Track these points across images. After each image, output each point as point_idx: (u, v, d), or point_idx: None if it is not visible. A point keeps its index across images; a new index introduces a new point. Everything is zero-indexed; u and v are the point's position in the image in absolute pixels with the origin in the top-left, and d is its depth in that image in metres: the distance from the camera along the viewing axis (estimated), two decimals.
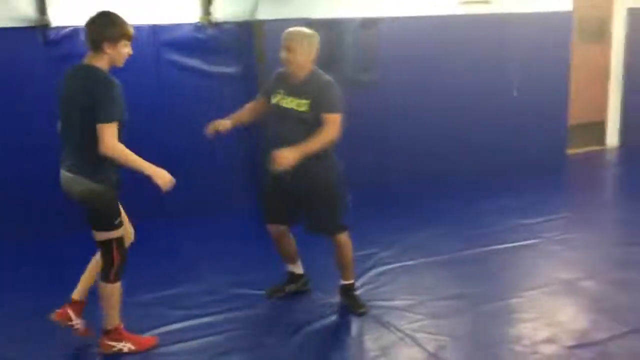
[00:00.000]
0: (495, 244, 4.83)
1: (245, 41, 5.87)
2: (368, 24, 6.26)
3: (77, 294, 3.44)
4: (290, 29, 3.48)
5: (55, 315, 3.41)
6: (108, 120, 2.96)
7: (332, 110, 3.41)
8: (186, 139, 5.41)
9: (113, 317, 3.30)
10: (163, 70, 5.57)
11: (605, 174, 7.64)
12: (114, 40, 3.05)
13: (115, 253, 3.18)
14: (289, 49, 3.41)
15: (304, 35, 3.44)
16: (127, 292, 3.98)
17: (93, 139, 2.97)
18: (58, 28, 5.19)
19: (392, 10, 6.38)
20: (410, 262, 4.52)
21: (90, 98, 2.98)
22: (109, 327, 3.31)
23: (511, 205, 5.76)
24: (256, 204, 5.44)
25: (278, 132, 3.49)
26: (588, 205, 5.99)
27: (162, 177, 3.09)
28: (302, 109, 3.42)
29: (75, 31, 5.25)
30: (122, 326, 3.36)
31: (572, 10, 7.27)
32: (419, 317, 3.69)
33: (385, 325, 3.60)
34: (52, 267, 4.55)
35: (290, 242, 3.87)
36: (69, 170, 3.12)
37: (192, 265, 4.53)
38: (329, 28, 6.11)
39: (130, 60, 5.51)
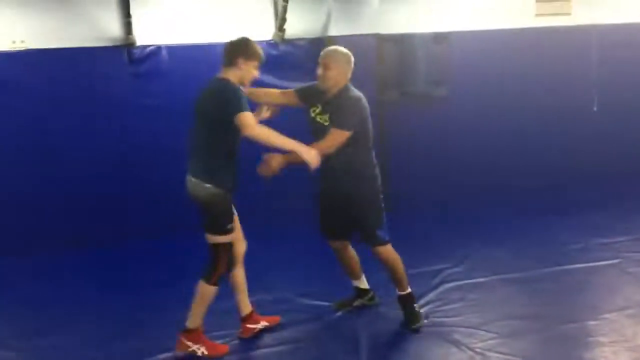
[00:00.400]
0: (572, 262, 4.65)
1: (316, 57, 5.95)
2: (439, 38, 6.23)
3: (244, 309, 3.67)
4: (328, 48, 3.61)
5: (241, 335, 3.67)
6: (242, 110, 3.19)
7: (338, 125, 3.44)
8: (254, 151, 5.54)
9: (197, 318, 3.41)
10: None
11: None
12: (248, 57, 3.36)
13: (221, 258, 3.37)
14: (325, 66, 3.50)
15: (340, 53, 3.55)
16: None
17: (218, 144, 3.28)
18: (142, 47, 5.49)
19: (464, 24, 6.33)
20: (481, 279, 4.42)
21: (219, 102, 3.26)
22: (191, 326, 3.42)
23: (590, 223, 5.54)
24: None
25: None
26: None
27: (310, 154, 3.26)
28: (327, 123, 3.51)
29: (158, 49, 5.55)
30: (202, 329, 3.47)
31: None
32: (490, 335, 3.60)
33: (454, 343, 3.53)
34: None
35: (351, 256, 3.88)
36: (195, 176, 3.34)
37: (262, 275, 4.61)
38: (400, 43, 6.15)
39: (205, 75, 5.79)
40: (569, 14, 6.68)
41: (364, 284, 4.00)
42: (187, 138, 3.50)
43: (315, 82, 3.67)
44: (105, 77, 5.44)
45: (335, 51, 3.56)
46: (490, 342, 3.52)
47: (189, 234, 5.11)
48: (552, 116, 6.62)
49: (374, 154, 3.67)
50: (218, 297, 3.70)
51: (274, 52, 5.85)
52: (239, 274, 3.64)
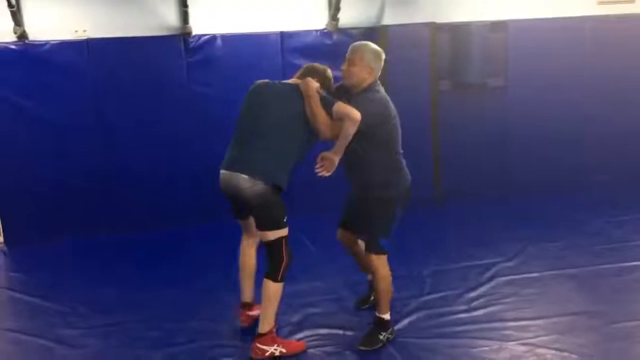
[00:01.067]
0: (631, 259, 4.50)
1: None
2: (497, 27, 6.09)
3: (245, 296, 3.66)
4: (356, 43, 3.42)
5: (244, 323, 3.67)
6: (333, 101, 3.26)
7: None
8: None
9: (271, 320, 3.31)
10: (289, 75, 5.73)
11: None
12: (323, 84, 3.41)
13: (284, 251, 3.29)
14: (350, 62, 3.35)
15: (368, 50, 3.36)
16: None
17: (290, 141, 3.28)
18: (198, 35, 5.58)
19: (522, 12, 6.16)
20: (535, 274, 4.32)
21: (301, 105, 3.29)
22: (265, 331, 3.30)
23: None
24: None
25: None
26: None
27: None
28: None
29: (213, 38, 5.63)
30: (275, 329, 3.37)
31: None
32: (544, 331, 3.52)
33: (506, 337, 3.47)
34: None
35: (361, 250, 3.73)
36: (246, 173, 3.21)
37: (312, 265, 4.65)
38: (455, 32, 6.04)
39: (258, 64, 5.84)
40: (632, 1, 6.41)
41: None
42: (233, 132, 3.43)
43: (338, 84, 3.52)
44: (162, 65, 5.57)
45: (363, 46, 3.37)
46: (543, 338, 3.44)
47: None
48: (613, 108, 6.39)
49: (397, 159, 3.44)
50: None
51: (327, 41, 5.85)
52: (249, 257, 3.60)
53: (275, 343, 3.33)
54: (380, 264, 3.43)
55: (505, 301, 3.93)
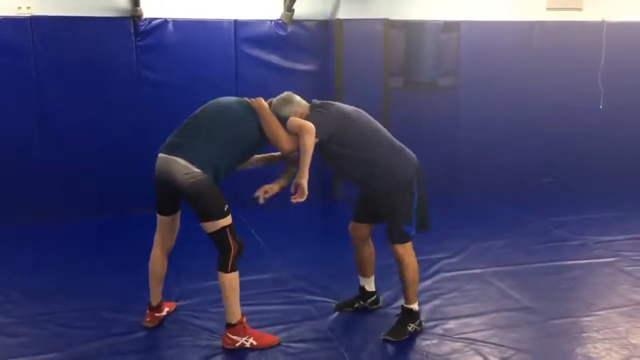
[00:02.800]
0: (569, 258, 4.65)
1: (324, 39, 5.92)
2: (450, 27, 6.18)
3: (154, 300, 3.53)
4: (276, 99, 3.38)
5: (149, 323, 3.53)
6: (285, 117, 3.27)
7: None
8: None
9: (235, 310, 3.24)
10: (241, 64, 5.73)
11: None
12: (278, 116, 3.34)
13: (231, 240, 3.19)
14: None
15: (282, 101, 3.34)
16: (198, 279, 4.12)
17: (240, 146, 3.24)
18: (149, 19, 5.43)
19: (475, 14, 6.27)
20: (477, 271, 4.42)
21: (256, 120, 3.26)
22: (233, 321, 3.25)
23: (591, 220, 5.54)
24: (327, 201, 5.52)
25: None
26: None
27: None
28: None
29: (164, 22, 5.49)
30: (245, 319, 3.31)
31: None
32: (483, 326, 3.60)
33: (447, 332, 3.53)
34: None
35: (369, 251, 3.72)
36: (185, 158, 3.10)
37: (259, 257, 4.61)
38: (408, 29, 6.09)
39: (211, 52, 5.75)
40: (580, 9, 6.62)
41: (370, 285, 3.82)
42: (183, 116, 3.34)
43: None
44: (109, 47, 5.41)
45: (277, 107, 3.32)
46: (483, 332, 3.52)
47: None
48: (558, 112, 6.59)
49: (390, 145, 3.44)
50: (209, 276, 3.64)
51: (281, 32, 5.81)
52: (161, 264, 3.47)
53: (247, 334, 3.27)
54: (405, 252, 3.42)
55: (447, 297, 3.99)
